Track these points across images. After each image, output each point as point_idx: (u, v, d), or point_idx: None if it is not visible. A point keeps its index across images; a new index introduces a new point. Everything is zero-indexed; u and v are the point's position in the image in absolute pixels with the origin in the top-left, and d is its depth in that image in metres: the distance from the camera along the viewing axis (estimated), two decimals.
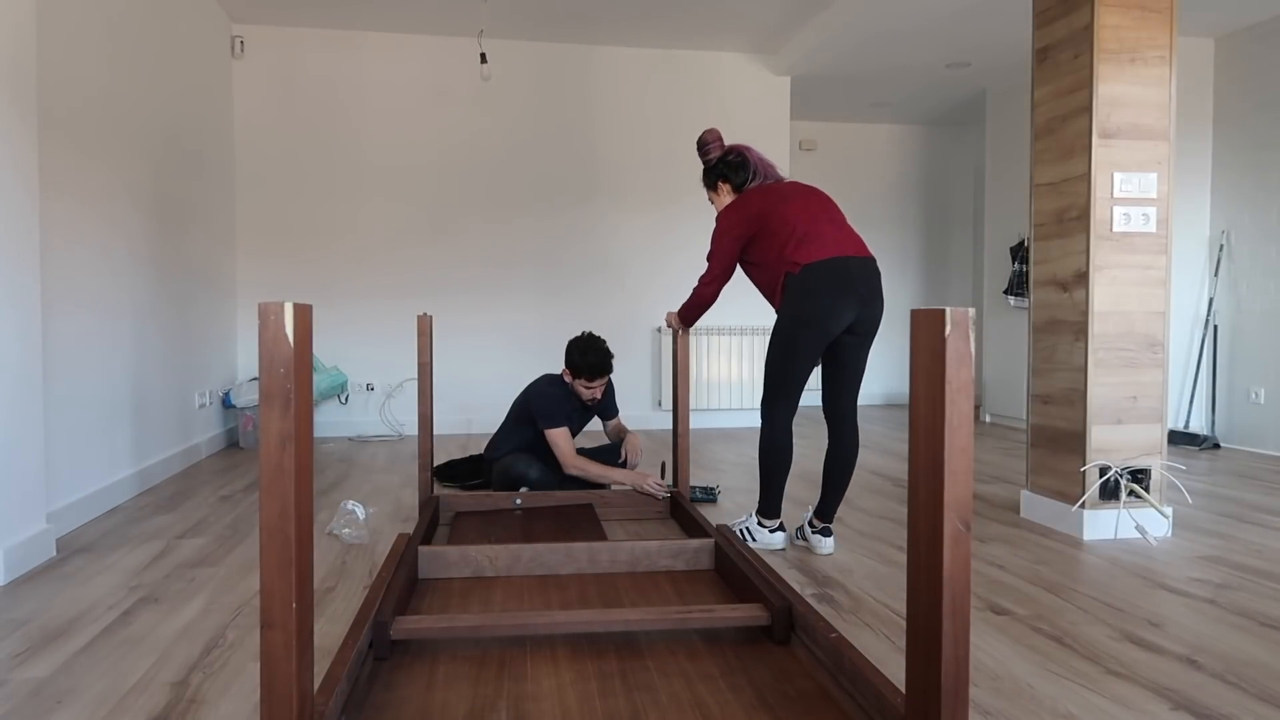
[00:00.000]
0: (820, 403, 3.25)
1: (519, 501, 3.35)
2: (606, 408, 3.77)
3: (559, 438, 3.50)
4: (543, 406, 3.55)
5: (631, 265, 6.13)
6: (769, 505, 2.85)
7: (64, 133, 3.19)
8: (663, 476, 3.30)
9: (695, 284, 3.02)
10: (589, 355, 3.49)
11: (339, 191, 5.75)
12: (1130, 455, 3.10)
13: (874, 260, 2.75)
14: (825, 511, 2.86)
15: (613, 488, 3.56)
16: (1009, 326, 6.50)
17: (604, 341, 3.54)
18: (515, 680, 1.77)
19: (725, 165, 2.95)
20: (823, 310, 2.65)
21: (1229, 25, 5.30)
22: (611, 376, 3.70)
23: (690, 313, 3.00)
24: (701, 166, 3.00)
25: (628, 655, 1.91)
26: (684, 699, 1.69)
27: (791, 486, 3.95)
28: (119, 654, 1.97)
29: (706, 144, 2.98)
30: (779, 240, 2.73)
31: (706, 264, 2.92)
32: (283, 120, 5.67)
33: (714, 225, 2.94)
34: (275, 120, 5.66)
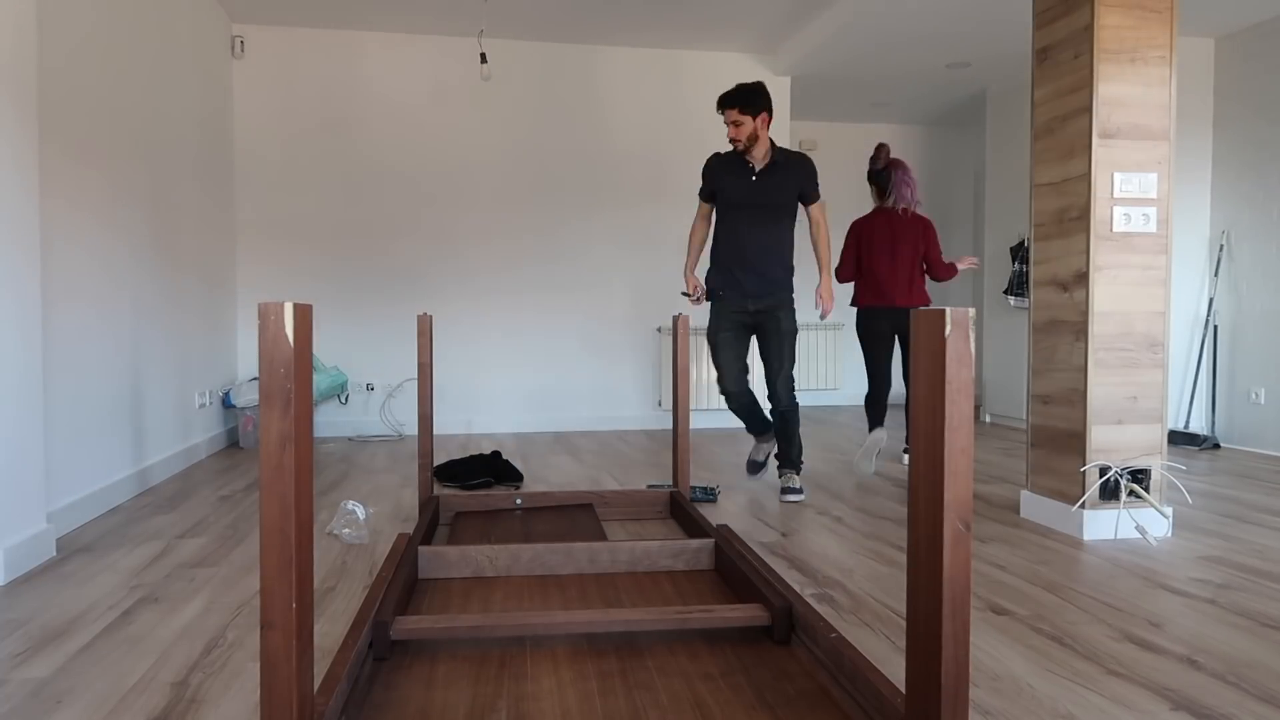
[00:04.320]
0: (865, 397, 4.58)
1: (519, 501, 3.36)
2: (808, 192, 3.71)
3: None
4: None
5: (631, 264, 6.13)
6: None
7: (64, 132, 3.20)
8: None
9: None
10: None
11: (339, 191, 5.75)
12: (1130, 455, 3.10)
13: None
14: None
15: (609, 485, 3.55)
16: (1009, 326, 6.50)
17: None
18: (515, 680, 1.78)
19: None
20: None
21: (1229, 25, 5.30)
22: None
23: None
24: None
25: (628, 655, 1.91)
26: (684, 699, 1.69)
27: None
28: (119, 654, 1.97)
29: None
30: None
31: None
32: (283, 120, 5.67)
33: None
34: (275, 120, 5.66)
